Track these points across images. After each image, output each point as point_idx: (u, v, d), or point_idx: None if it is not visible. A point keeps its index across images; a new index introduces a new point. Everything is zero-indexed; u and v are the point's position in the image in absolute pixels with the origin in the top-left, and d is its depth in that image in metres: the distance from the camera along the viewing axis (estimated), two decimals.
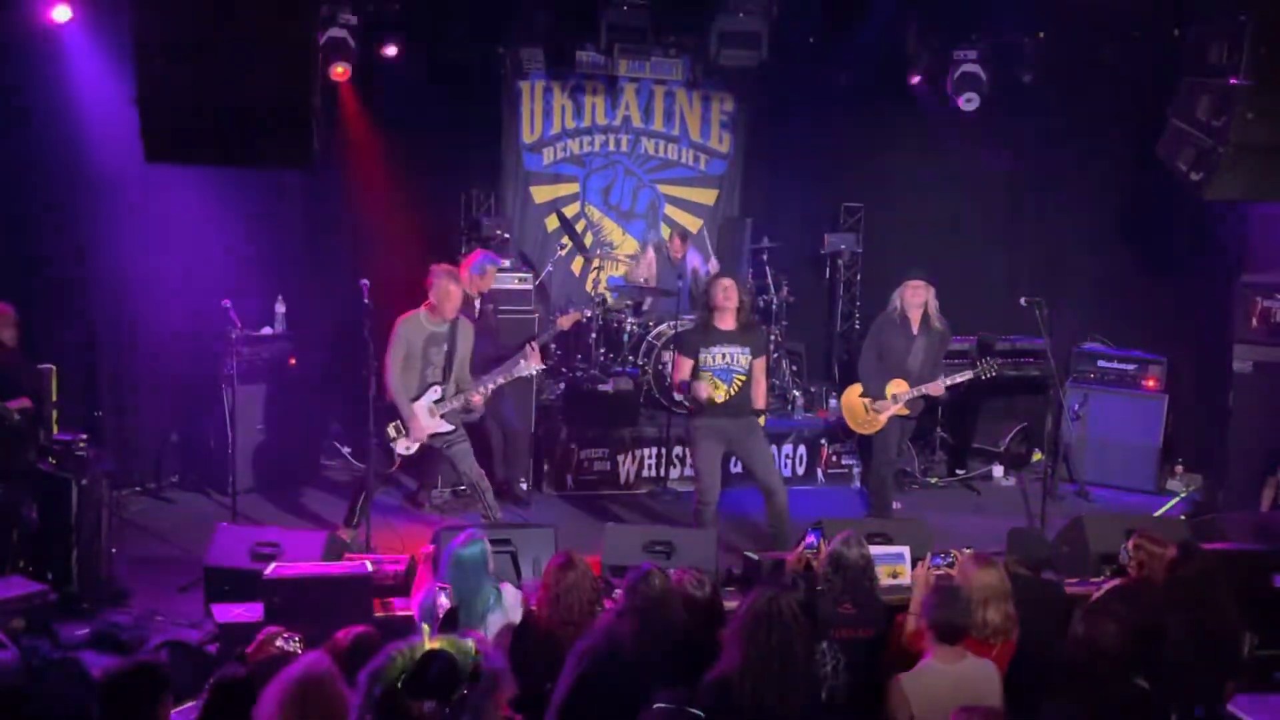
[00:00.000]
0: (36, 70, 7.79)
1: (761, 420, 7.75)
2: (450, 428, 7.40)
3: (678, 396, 9.08)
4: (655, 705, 3.93)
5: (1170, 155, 6.88)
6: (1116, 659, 4.18)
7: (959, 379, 8.05)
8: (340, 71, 8.73)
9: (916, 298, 7.96)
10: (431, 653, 2.63)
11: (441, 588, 4.81)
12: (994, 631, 4.71)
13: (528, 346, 7.84)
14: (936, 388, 7.94)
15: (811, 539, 5.91)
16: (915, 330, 8.01)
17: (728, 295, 7.26)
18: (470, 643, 2.72)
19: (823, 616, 4.91)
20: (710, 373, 7.26)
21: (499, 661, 2.75)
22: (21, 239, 7.94)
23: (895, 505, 8.52)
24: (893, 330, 8.05)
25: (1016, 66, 10.13)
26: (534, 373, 7.86)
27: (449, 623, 4.66)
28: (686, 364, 7.32)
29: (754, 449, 7.45)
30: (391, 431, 7.31)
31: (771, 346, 9.16)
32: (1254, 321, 8.96)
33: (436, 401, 7.33)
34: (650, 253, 10.37)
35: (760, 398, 7.49)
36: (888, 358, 8.03)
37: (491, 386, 7.51)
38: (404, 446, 7.35)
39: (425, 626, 2.90)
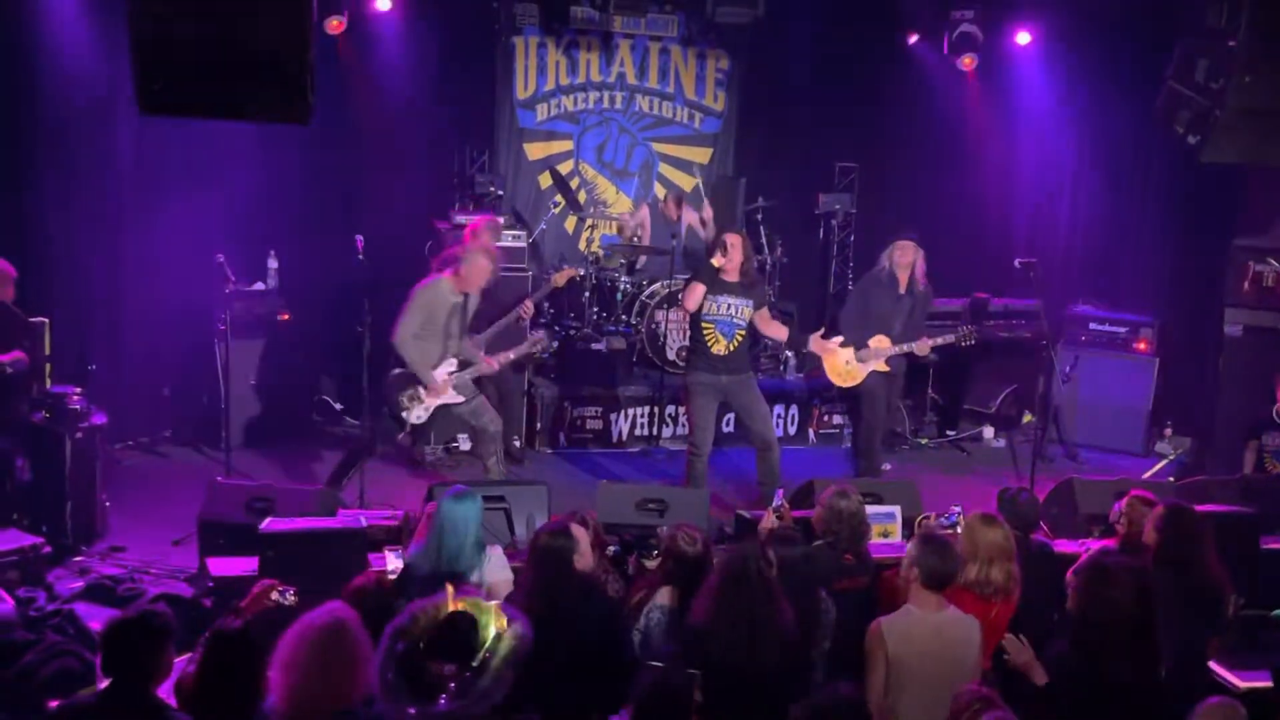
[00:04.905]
0: (28, 19, 7.70)
1: (822, 335, 7.82)
2: (462, 399, 7.39)
3: (670, 355, 9.14)
4: (650, 665, 3.97)
5: (1167, 117, 6.86)
6: (1122, 617, 4.24)
7: (939, 340, 8.14)
8: (336, 25, 8.67)
9: (905, 257, 8.08)
10: (455, 614, 2.63)
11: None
12: (995, 590, 4.77)
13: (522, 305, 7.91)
14: (924, 346, 8.01)
15: (778, 498, 5.95)
16: (902, 290, 8.11)
17: (732, 251, 7.28)
18: (494, 605, 2.72)
19: (825, 569, 4.97)
20: (714, 324, 7.29)
21: (521, 624, 2.74)
22: (14, 192, 7.87)
23: (885, 466, 8.59)
24: (880, 289, 8.14)
25: (1014, 26, 10.09)
26: (541, 351, 7.95)
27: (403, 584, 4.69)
28: (699, 289, 7.28)
29: (751, 404, 7.49)
30: (405, 400, 7.28)
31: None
32: (1245, 285, 8.97)
33: (451, 373, 7.32)
34: (644, 209, 10.34)
35: (780, 331, 7.73)
36: (872, 315, 8.10)
37: (507, 359, 7.57)
38: (417, 415, 7.32)
39: (449, 586, 2.89)
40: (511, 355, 7.59)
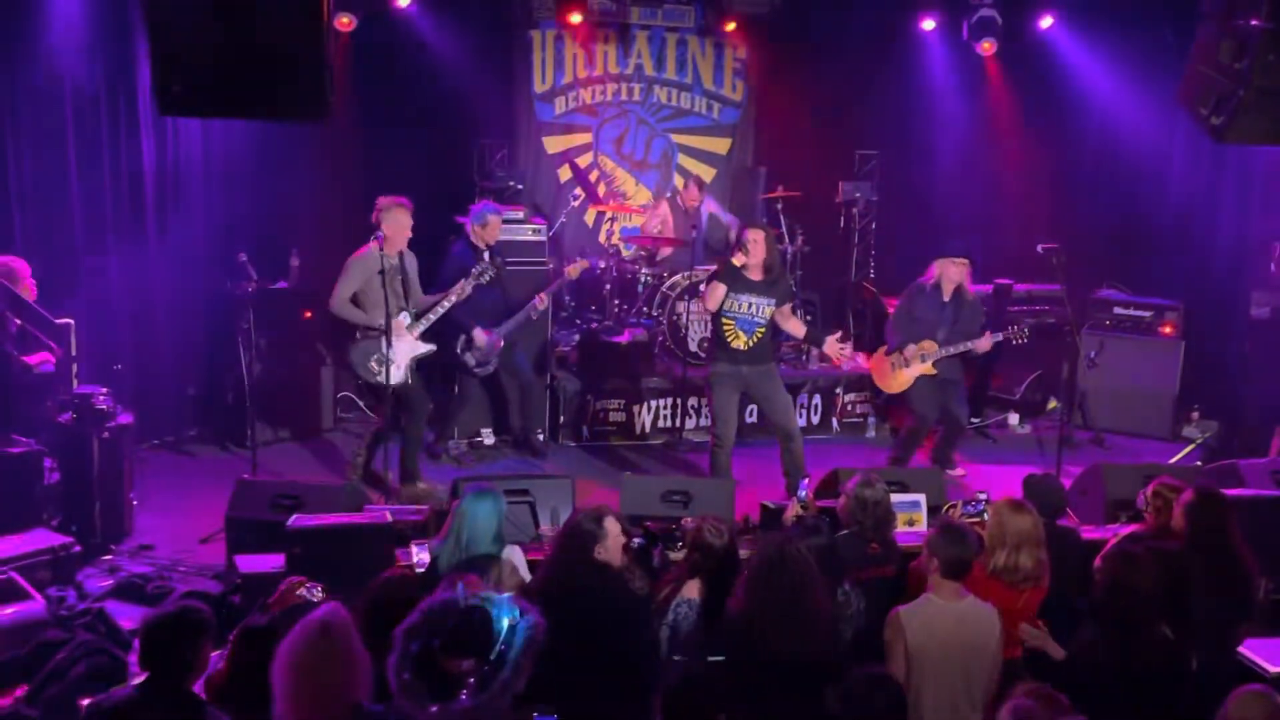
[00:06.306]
0: (51, 19, 7.75)
1: (838, 342, 7.72)
2: (432, 347, 7.51)
3: (692, 346, 9.14)
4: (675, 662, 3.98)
5: (1190, 99, 6.78)
6: (1147, 604, 4.22)
7: (997, 338, 8.07)
8: (345, 22, 8.68)
9: (953, 273, 7.99)
10: (467, 609, 2.61)
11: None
12: (1025, 577, 4.76)
13: (536, 298, 7.97)
14: (984, 343, 7.92)
15: (803, 488, 5.94)
16: (945, 299, 8.03)
17: (753, 249, 7.23)
18: (506, 596, 2.71)
19: (851, 558, 4.96)
20: (734, 321, 7.28)
21: (535, 615, 2.73)
22: (39, 193, 7.93)
23: (959, 472, 8.50)
24: (923, 297, 8.08)
25: (1035, 10, 10.03)
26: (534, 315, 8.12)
27: (429, 577, 4.70)
28: (719, 289, 7.26)
29: (772, 394, 7.49)
30: (374, 365, 7.32)
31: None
32: (1272, 266, 8.91)
33: (409, 326, 7.41)
34: (663, 204, 10.32)
35: (798, 329, 7.72)
36: (917, 322, 8.03)
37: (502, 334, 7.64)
38: (393, 376, 7.29)
39: (460, 583, 2.88)
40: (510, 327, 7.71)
